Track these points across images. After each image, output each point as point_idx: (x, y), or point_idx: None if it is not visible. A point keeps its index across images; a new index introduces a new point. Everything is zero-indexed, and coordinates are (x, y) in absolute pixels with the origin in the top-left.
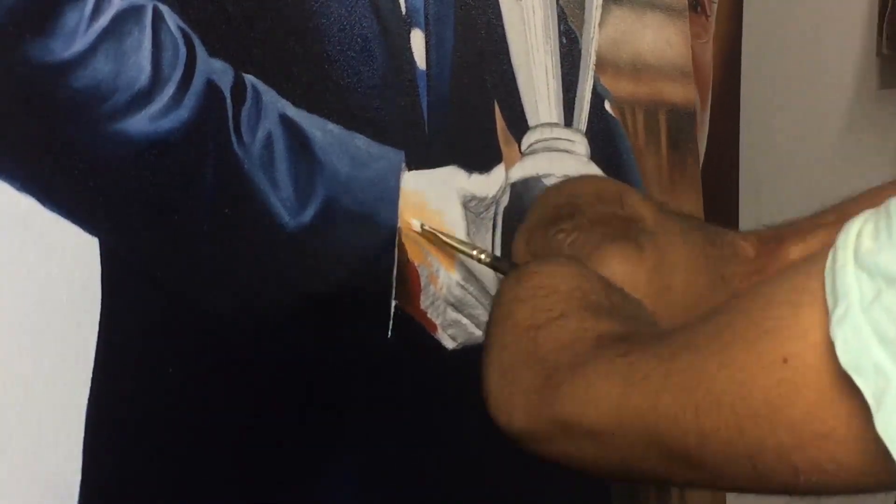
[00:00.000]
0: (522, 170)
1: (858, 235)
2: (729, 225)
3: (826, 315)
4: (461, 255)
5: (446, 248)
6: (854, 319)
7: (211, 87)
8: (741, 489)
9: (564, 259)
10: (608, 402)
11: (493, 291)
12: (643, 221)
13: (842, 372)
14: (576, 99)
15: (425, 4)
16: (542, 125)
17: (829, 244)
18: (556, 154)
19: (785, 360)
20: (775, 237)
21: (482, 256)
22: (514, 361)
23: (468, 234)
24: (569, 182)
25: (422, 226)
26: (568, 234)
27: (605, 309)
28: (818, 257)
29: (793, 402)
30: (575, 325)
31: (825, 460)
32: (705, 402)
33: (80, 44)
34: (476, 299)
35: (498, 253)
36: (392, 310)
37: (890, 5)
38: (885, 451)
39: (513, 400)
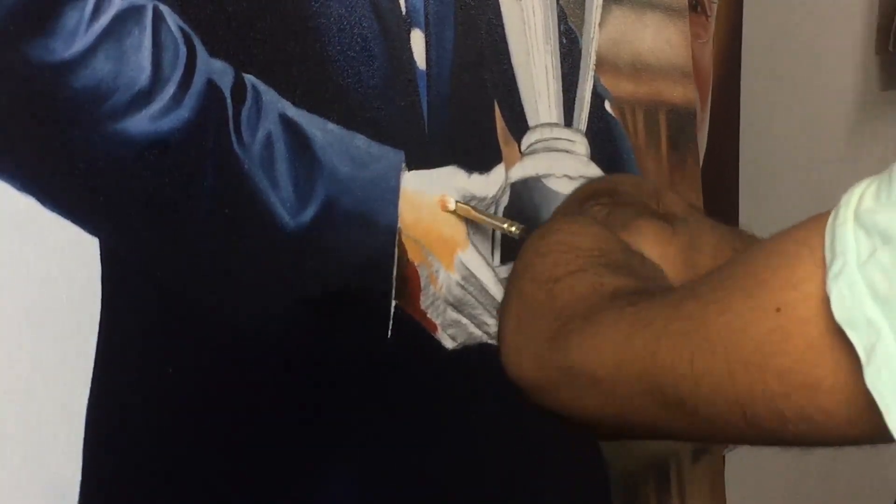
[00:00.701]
0: (522, 170)
1: (861, 196)
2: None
3: (822, 268)
4: (496, 230)
5: (480, 224)
6: (850, 275)
7: (211, 87)
8: (733, 439)
9: (588, 219)
10: (612, 348)
11: (492, 291)
12: (675, 217)
13: (834, 326)
14: (576, 99)
15: (425, 4)
16: (542, 125)
17: None
18: (556, 154)
19: (778, 309)
20: None
21: (513, 229)
22: (529, 312)
23: (468, 234)
24: (611, 175)
25: (456, 202)
26: (603, 207)
27: (623, 268)
28: (822, 214)
29: (783, 351)
30: (592, 279)
31: (813, 409)
32: (701, 348)
33: (80, 44)
34: (476, 299)
35: (498, 254)
36: (392, 310)
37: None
38: (873, 403)
39: (525, 349)
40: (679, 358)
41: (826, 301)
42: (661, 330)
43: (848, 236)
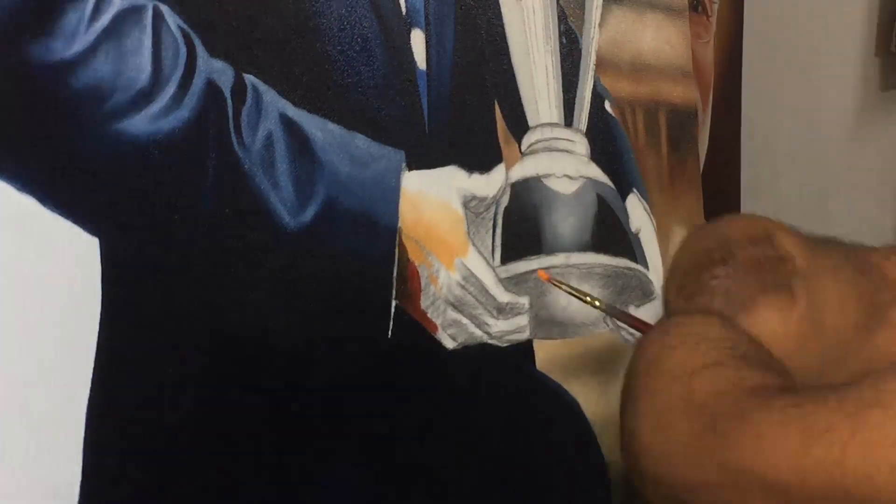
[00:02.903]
0: (523, 170)
1: None
2: None
3: None
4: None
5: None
6: None
7: (211, 87)
8: None
9: (711, 314)
10: (785, 452)
11: (493, 291)
12: (793, 261)
13: None
14: (576, 99)
15: (425, 4)
16: (543, 125)
17: None
18: (557, 154)
19: None
20: None
21: (597, 304)
22: (667, 408)
23: (468, 233)
24: (717, 224)
25: (549, 278)
26: (722, 282)
27: (756, 360)
28: None
29: None
30: (731, 373)
31: None
32: None
33: (80, 44)
34: (476, 299)
35: (498, 254)
36: (392, 310)
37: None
38: None
39: (669, 447)
40: (876, 469)
41: None
42: (847, 438)
43: None
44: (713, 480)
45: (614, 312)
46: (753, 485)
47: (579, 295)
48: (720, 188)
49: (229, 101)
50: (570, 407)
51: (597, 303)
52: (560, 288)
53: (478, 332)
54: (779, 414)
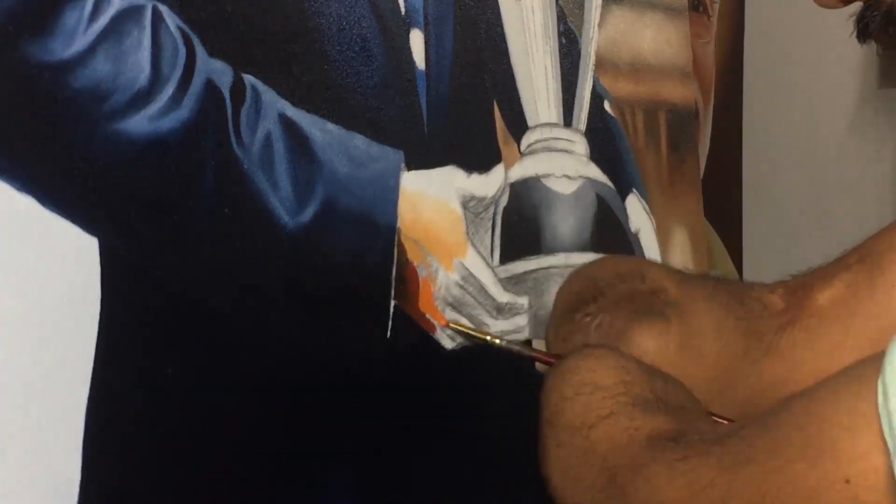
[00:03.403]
0: (522, 170)
1: None
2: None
3: (882, 440)
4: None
5: (470, 339)
6: None
7: (210, 87)
8: None
9: (601, 350)
10: None
11: (492, 291)
12: (666, 292)
13: None
14: (575, 99)
15: (425, 4)
16: (542, 125)
17: (854, 287)
18: (556, 154)
19: (847, 481)
20: (801, 286)
21: (497, 341)
22: (572, 460)
23: (467, 233)
24: (586, 267)
25: (449, 324)
26: (594, 318)
27: (650, 402)
28: (867, 374)
29: None
30: (625, 424)
31: None
32: None
33: (79, 44)
34: (475, 299)
35: (497, 255)
36: (391, 310)
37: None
38: None
39: (580, 497)
40: None
41: (893, 475)
42: (725, 494)
43: None
44: None
45: (516, 350)
46: None
47: (482, 339)
48: (722, 187)
49: (228, 102)
50: None
51: (497, 341)
52: (458, 332)
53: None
54: (666, 469)
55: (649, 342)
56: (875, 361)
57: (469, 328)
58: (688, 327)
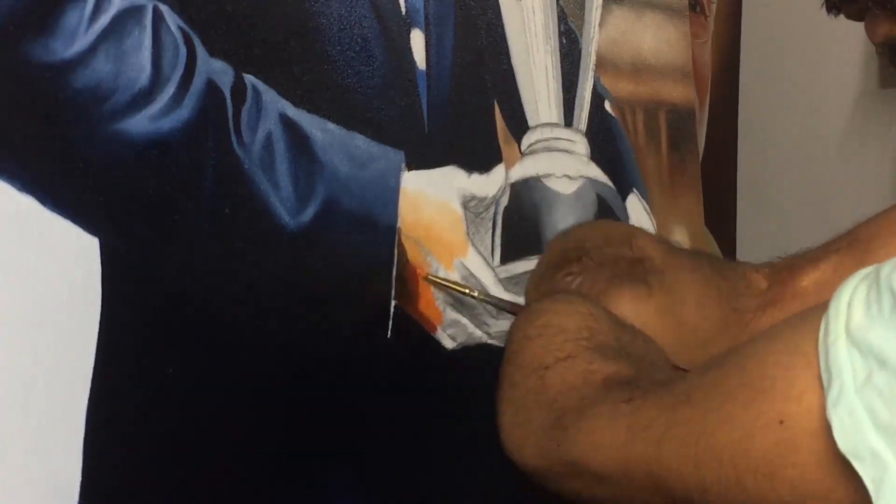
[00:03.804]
0: (522, 170)
1: (849, 304)
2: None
3: (819, 381)
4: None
5: (448, 291)
6: (848, 401)
7: (211, 87)
8: None
9: (574, 297)
10: (613, 447)
11: (492, 291)
12: (651, 261)
13: (839, 449)
14: (576, 99)
15: (425, 4)
16: (542, 125)
17: (840, 270)
18: (556, 154)
19: (781, 422)
20: (787, 267)
21: (476, 294)
22: (524, 400)
23: (468, 233)
24: (576, 227)
25: (426, 276)
26: (575, 277)
27: (612, 349)
28: (812, 315)
29: (791, 462)
30: (582, 367)
31: None
32: (706, 456)
33: (80, 44)
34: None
35: (498, 254)
36: (392, 310)
37: None
38: None
39: (525, 438)
40: (684, 464)
41: (827, 420)
42: (662, 435)
43: (842, 357)
44: (557, 470)
45: (492, 300)
46: (590, 476)
47: (459, 289)
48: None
49: (229, 101)
50: None
51: (475, 293)
52: (436, 284)
53: (477, 332)
54: (610, 410)
55: (628, 305)
56: (822, 306)
57: (447, 280)
58: (669, 295)
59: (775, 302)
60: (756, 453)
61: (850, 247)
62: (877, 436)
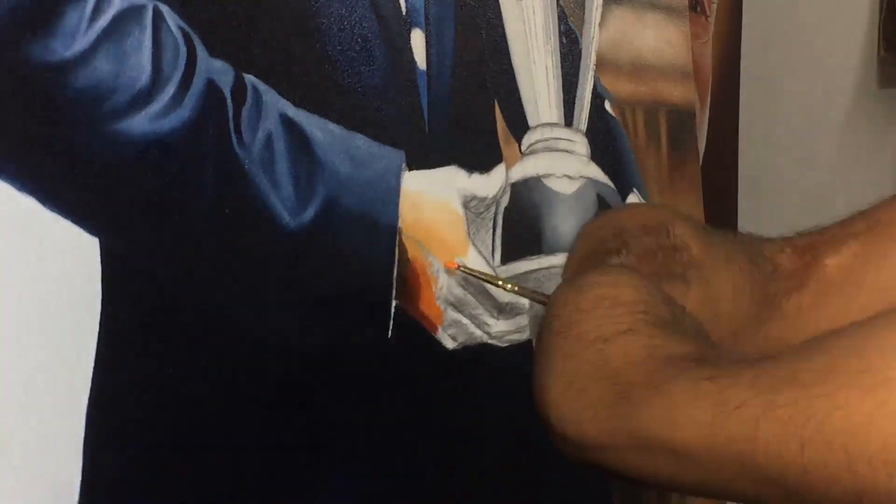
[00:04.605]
0: (523, 170)
1: None
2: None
3: None
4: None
5: (481, 282)
6: None
7: (211, 87)
8: None
9: (622, 268)
10: (698, 424)
11: (493, 291)
12: (689, 251)
13: None
14: (576, 99)
15: (425, 4)
16: (543, 125)
17: (861, 256)
18: (557, 154)
19: None
20: (809, 248)
21: (508, 285)
22: (580, 373)
23: (468, 233)
24: (615, 213)
25: (457, 267)
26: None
27: (671, 325)
28: None
29: None
30: (645, 341)
31: None
32: (813, 440)
33: (80, 43)
34: (476, 299)
35: (498, 254)
36: (392, 310)
37: (885, 9)
38: None
39: (581, 412)
40: (785, 445)
41: None
42: (760, 415)
43: None
44: (622, 444)
45: (527, 294)
46: (665, 452)
47: (491, 280)
48: (718, 187)
49: (229, 102)
50: None
51: (508, 286)
52: (470, 276)
53: (478, 332)
54: (692, 387)
55: None
56: None
57: (478, 272)
58: (707, 289)
59: (801, 286)
60: (875, 440)
61: (870, 231)
62: None
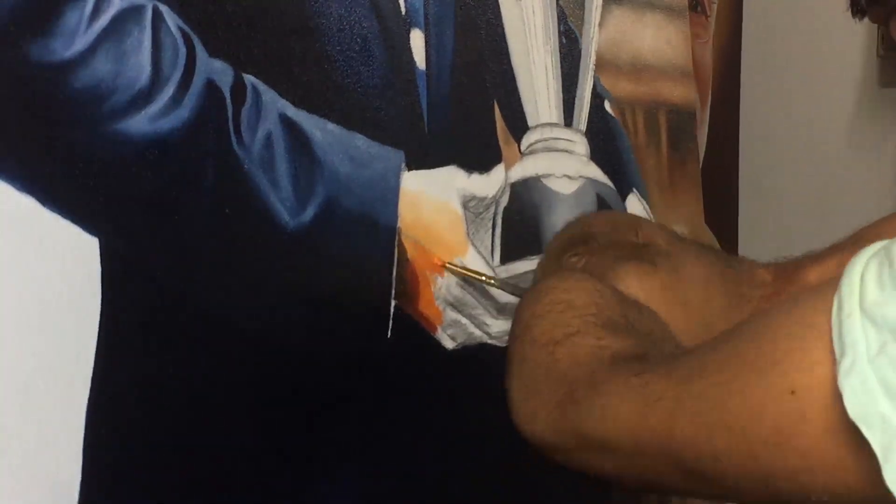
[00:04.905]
0: (522, 170)
1: (862, 280)
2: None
3: (831, 353)
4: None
5: (464, 278)
6: (861, 371)
7: (211, 87)
8: (759, 502)
9: (580, 274)
10: (625, 421)
11: (492, 291)
12: (657, 245)
13: (849, 417)
14: (576, 99)
15: (425, 4)
16: (542, 125)
17: (843, 265)
18: (556, 154)
19: (793, 392)
20: (794, 264)
21: (494, 280)
22: (534, 375)
23: (468, 233)
24: (584, 215)
25: (444, 264)
26: (581, 258)
27: (620, 326)
28: (824, 291)
29: (802, 432)
30: (591, 342)
31: (835, 485)
32: (718, 428)
33: (80, 44)
34: (476, 299)
35: (498, 254)
36: (392, 310)
37: None
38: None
39: (535, 412)
40: (697, 436)
41: (839, 389)
42: (675, 407)
43: (856, 329)
44: (571, 445)
45: (508, 289)
46: (602, 450)
47: (474, 275)
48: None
49: (229, 102)
50: None
51: (492, 281)
52: (454, 272)
53: (477, 332)
54: (622, 384)
55: (633, 282)
56: (834, 281)
57: (464, 268)
58: (675, 274)
59: (779, 293)
60: (767, 423)
61: (855, 244)
62: (888, 403)
